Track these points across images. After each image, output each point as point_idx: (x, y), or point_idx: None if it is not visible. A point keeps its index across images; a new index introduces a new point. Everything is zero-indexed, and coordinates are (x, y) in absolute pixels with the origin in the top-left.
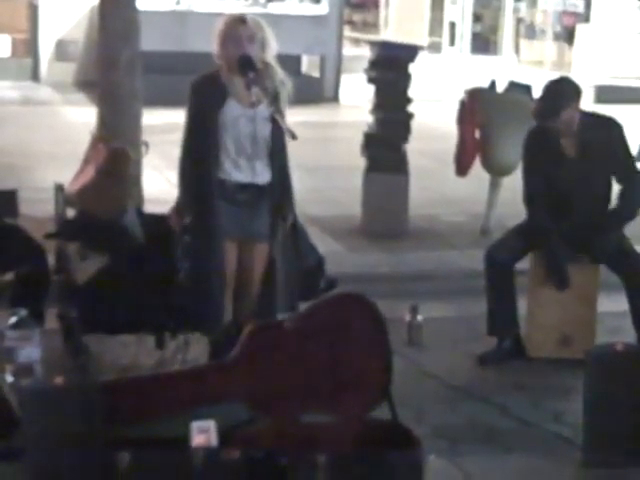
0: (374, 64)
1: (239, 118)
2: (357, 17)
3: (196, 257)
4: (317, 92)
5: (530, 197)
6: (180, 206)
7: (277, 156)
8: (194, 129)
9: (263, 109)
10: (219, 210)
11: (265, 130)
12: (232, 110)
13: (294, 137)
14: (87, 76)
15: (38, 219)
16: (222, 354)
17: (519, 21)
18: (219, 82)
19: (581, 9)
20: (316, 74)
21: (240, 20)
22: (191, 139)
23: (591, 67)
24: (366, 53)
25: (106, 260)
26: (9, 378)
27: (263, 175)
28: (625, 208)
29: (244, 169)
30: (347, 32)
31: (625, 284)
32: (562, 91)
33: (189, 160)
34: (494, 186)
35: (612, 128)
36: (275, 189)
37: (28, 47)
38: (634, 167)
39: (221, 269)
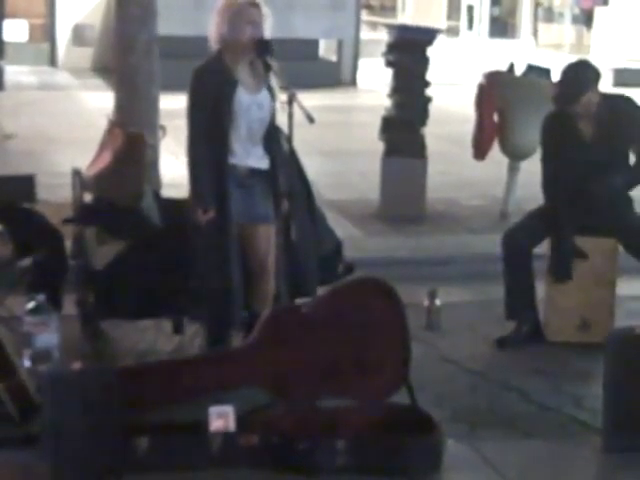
0: (392, 47)
1: (250, 105)
2: (375, 1)
3: (210, 243)
4: (335, 76)
5: (548, 183)
6: (198, 198)
7: (275, 139)
8: (204, 118)
9: (266, 94)
10: (231, 195)
11: (269, 115)
12: (243, 98)
13: (312, 120)
14: (104, 61)
15: (56, 204)
16: (221, 343)
17: (537, 4)
18: (225, 69)
19: None
20: (334, 58)
21: (252, 3)
22: (201, 128)
23: (610, 50)
24: (384, 37)
25: (124, 245)
26: (27, 363)
27: (265, 159)
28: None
29: (252, 154)
30: (365, 16)
31: None
32: (581, 76)
33: (201, 149)
34: (513, 169)
35: (628, 106)
36: (276, 172)
37: (45, 32)
38: None
39: (236, 255)
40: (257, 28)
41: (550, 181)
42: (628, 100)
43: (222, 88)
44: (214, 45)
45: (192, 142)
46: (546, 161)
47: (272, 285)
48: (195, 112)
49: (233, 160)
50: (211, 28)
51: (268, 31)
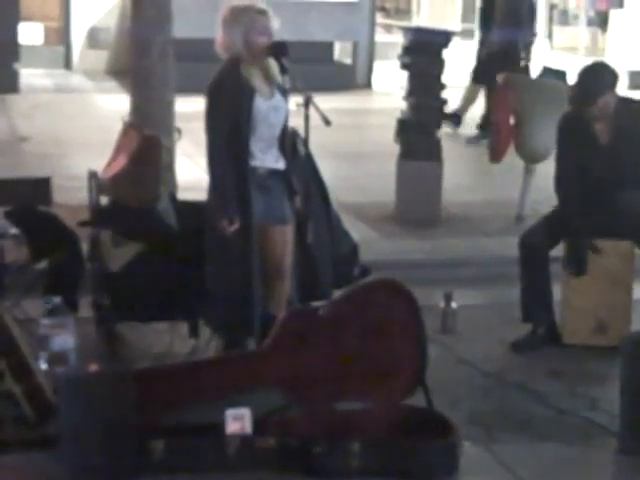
0: (407, 50)
1: (269, 111)
2: (389, 3)
3: (232, 248)
4: (349, 79)
5: (560, 181)
6: (223, 209)
7: (288, 140)
8: (224, 129)
9: (279, 96)
10: (253, 201)
11: (284, 116)
12: (261, 105)
13: (328, 123)
14: (119, 64)
15: (72, 207)
16: (237, 346)
17: (552, 7)
18: (241, 79)
19: None
20: (348, 61)
21: (261, 11)
22: (222, 140)
23: (625, 52)
24: (398, 39)
25: (140, 247)
26: (43, 365)
27: (280, 159)
28: None
29: (269, 155)
30: (379, 19)
31: None
32: (599, 77)
33: (223, 160)
34: (528, 172)
35: None
36: (290, 171)
37: (60, 35)
38: None
39: (257, 260)
40: (270, 36)
41: (563, 180)
42: None
43: (240, 98)
44: (225, 55)
45: (213, 152)
46: (560, 160)
47: (288, 287)
48: (214, 122)
49: (253, 163)
50: (220, 38)
51: (278, 34)
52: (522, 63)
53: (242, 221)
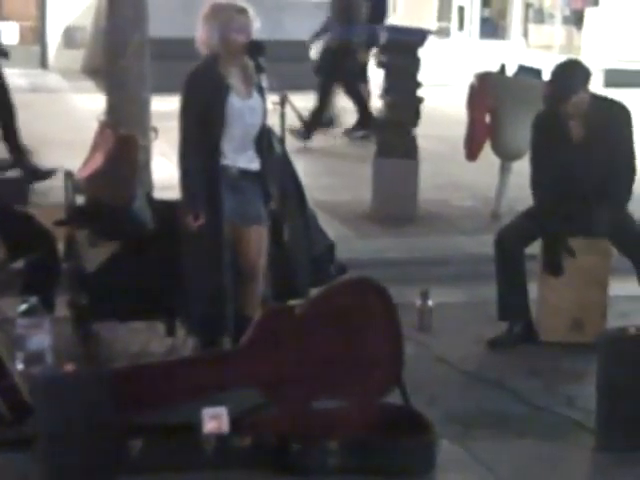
0: (383, 49)
1: (243, 110)
2: None
3: (202, 248)
4: None
5: (536, 182)
6: (189, 203)
7: (265, 141)
8: (197, 123)
9: (257, 98)
10: (224, 198)
11: (261, 118)
12: (235, 103)
13: (304, 122)
14: (95, 63)
15: (48, 206)
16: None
17: (528, 5)
18: (217, 74)
19: None
20: None
21: (241, 10)
22: (193, 133)
23: (600, 50)
24: None
25: (116, 247)
26: (19, 366)
27: (255, 160)
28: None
29: (243, 156)
30: None
31: (634, 264)
32: (572, 75)
33: (192, 154)
34: (504, 170)
35: (621, 114)
36: (265, 173)
37: (36, 34)
38: (630, 159)
39: (228, 259)
40: (247, 35)
41: (538, 181)
42: (620, 107)
43: (215, 93)
44: (205, 51)
45: (184, 147)
46: (535, 161)
47: (261, 287)
48: (188, 117)
49: (224, 162)
50: (199, 34)
51: (256, 33)
52: (358, 60)
53: (211, 219)
